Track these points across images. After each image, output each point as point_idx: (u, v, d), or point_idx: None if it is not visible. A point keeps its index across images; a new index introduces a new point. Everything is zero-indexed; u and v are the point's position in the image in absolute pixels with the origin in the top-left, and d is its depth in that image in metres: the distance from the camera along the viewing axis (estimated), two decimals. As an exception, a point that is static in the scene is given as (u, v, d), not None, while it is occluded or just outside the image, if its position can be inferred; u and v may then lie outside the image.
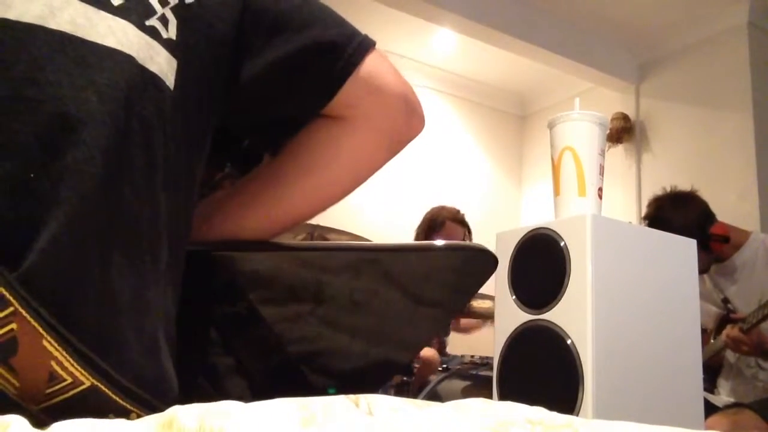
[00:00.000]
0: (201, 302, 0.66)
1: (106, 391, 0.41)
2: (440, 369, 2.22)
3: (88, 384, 0.40)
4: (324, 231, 2.19)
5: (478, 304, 2.34)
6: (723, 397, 2.11)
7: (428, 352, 2.28)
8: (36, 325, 0.38)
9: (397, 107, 0.65)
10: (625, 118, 3.89)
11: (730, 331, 1.98)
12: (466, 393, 2.06)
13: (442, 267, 0.71)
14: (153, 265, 0.49)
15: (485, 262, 0.71)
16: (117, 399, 0.41)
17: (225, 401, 0.35)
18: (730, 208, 2.87)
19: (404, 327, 0.74)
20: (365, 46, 0.63)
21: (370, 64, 0.63)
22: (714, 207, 2.20)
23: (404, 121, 0.67)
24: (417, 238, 2.81)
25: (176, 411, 0.33)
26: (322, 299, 0.69)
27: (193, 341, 0.66)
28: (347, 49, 0.61)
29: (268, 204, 0.67)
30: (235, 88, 0.58)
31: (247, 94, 0.60)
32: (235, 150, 0.70)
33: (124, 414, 0.42)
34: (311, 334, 0.70)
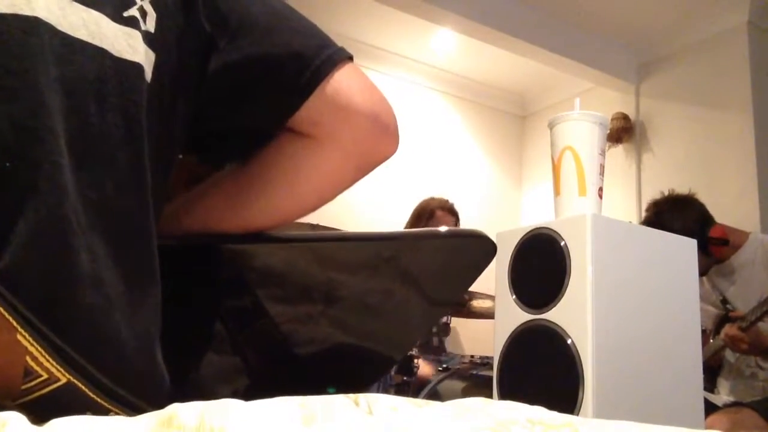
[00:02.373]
0: (208, 297, 0.66)
1: (83, 388, 0.40)
2: (440, 369, 2.22)
3: (64, 381, 0.40)
4: (324, 230, 2.18)
5: (478, 303, 2.34)
6: (723, 396, 2.11)
7: (424, 369, 2.27)
8: (10, 318, 0.37)
9: (364, 128, 0.62)
10: (625, 118, 3.89)
11: (728, 329, 1.98)
12: (466, 393, 2.06)
13: (447, 254, 0.71)
14: (147, 259, 0.49)
15: (486, 248, 0.71)
16: (94, 397, 0.41)
17: (225, 399, 0.35)
18: (730, 208, 2.87)
19: (407, 319, 0.74)
20: (335, 59, 0.59)
21: (338, 80, 0.59)
22: (713, 207, 2.20)
23: (372, 143, 0.63)
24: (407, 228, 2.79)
25: (176, 408, 0.33)
26: (333, 300, 0.68)
27: (199, 337, 0.66)
28: (315, 61, 0.58)
29: (232, 210, 0.65)
30: (202, 87, 0.57)
31: (207, 92, 0.58)
32: (234, 150, 0.70)
33: (103, 413, 0.41)
34: (320, 336, 0.70)
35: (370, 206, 3.66)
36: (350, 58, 0.62)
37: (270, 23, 0.59)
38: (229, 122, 0.62)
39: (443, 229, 0.74)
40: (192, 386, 0.63)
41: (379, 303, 0.71)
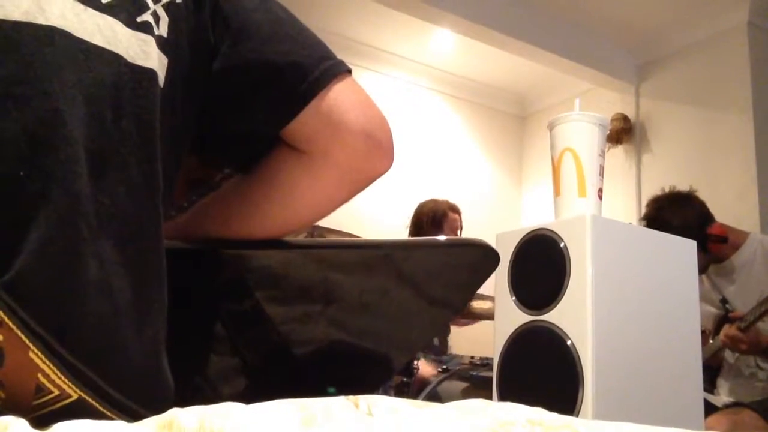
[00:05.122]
0: (207, 299, 0.66)
1: (94, 403, 0.40)
2: (440, 369, 2.22)
3: (75, 397, 0.40)
4: (324, 231, 2.18)
5: (478, 304, 2.34)
6: (722, 397, 2.11)
7: (425, 369, 2.28)
8: (22, 336, 0.38)
9: (356, 146, 0.62)
10: (624, 118, 3.89)
11: (728, 329, 1.98)
12: (466, 394, 2.06)
13: (448, 264, 0.71)
14: (155, 264, 0.49)
15: (487, 258, 0.71)
16: (105, 412, 0.41)
17: (225, 403, 0.35)
18: (730, 208, 2.87)
19: (410, 328, 0.74)
20: (333, 72, 0.60)
21: (333, 95, 0.60)
22: (713, 207, 2.20)
23: (364, 161, 0.63)
24: (417, 233, 2.83)
25: (176, 412, 0.33)
26: (331, 300, 0.69)
27: (198, 339, 0.66)
28: (313, 72, 0.58)
29: (234, 220, 0.66)
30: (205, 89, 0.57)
31: (208, 94, 0.58)
32: (235, 152, 0.70)
33: None
34: (318, 335, 0.70)
35: (370, 206, 3.66)
36: (349, 71, 0.62)
37: (271, 31, 0.59)
38: (228, 126, 0.63)
39: (442, 238, 0.74)
40: (193, 388, 0.63)
41: (379, 307, 0.71)
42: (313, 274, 0.69)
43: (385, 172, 0.65)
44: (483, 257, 0.71)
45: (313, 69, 0.59)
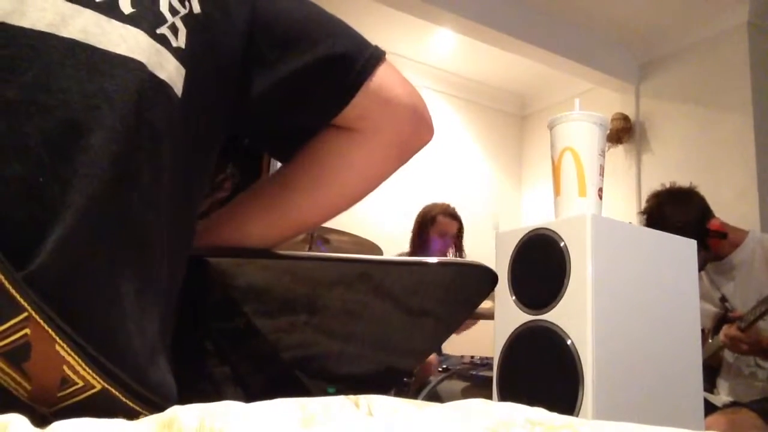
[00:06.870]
0: (196, 317, 0.66)
1: (117, 394, 0.42)
2: (440, 369, 2.22)
3: (99, 387, 0.41)
4: (324, 231, 2.19)
5: (477, 304, 2.34)
6: (722, 396, 2.11)
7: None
8: (49, 330, 0.39)
9: (406, 119, 0.66)
10: (625, 118, 3.89)
11: (728, 329, 1.97)
12: (466, 393, 2.06)
13: (432, 282, 0.71)
14: (155, 270, 0.50)
15: (482, 276, 0.71)
16: (127, 401, 0.42)
17: (225, 401, 0.35)
18: (730, 207, 2.87)
19: (399, 335, 0.73)
20: (376, 57, 0.64)
21: (380, 76, 0.63)
22: (713, 207, 2.20)
23: (413, 132, 0.68)
24: (413, 237, 2.82)
25: (177, 411, 0.33)
26: (316, 309, 0.69)
27: (189, 354, 0.65)
28: (359, 60, 0.62)
29: (278, 212, 0.68)
30: (247, 99, 0.59)
31: (259, 105, 0.61)
32: (236, 150, 0.70)
33: (134, 415, 0.42)
34: (306, 341, 0.70)
35: (371, 207, 3.66)
36: (384, 54, 0.65)
37: (314, 30, 0.62)
38: (279, 122, 0.65)
39: (432, 259, 0.74)
40: (192, 394, 0.63)
41: (374, 322, 0.71)
42: (298, 288, 0.69)
43: (428, 142, 0.70)
44: (477, 276, 0.71)
45: (358, 57, 0.62)
